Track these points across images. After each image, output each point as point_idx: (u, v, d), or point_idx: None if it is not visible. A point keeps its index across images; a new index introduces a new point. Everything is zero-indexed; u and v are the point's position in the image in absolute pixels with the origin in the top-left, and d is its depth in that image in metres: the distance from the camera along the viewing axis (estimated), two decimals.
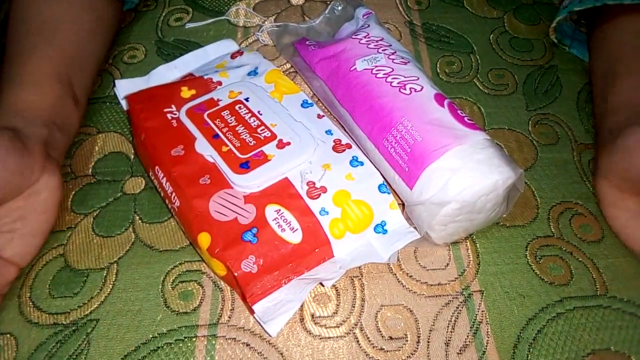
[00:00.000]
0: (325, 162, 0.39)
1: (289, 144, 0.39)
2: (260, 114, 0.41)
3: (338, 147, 0.40)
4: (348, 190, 0.37)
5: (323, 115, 0.42)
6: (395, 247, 0.36)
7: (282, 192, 0.37)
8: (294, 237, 0.35)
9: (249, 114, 0.41)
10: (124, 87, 0.45)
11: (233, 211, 0.36)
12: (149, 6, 0.55)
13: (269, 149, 0.39)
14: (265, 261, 0.34)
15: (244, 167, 0.38)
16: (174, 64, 0.47)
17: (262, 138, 0.39)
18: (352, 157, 0.39)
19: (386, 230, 0.37)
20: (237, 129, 0.40)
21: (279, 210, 0.36)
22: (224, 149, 0.39)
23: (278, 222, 0.36)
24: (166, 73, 0.47)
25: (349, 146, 0.40)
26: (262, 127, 0.40)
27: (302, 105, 0.42)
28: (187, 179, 0.37)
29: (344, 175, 0.38)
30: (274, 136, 0.40)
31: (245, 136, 0.39)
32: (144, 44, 0.51)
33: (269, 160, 0.38)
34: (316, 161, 0.39)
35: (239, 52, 0.48)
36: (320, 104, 0.46)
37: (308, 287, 0.35)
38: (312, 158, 0.39)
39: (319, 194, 0.37)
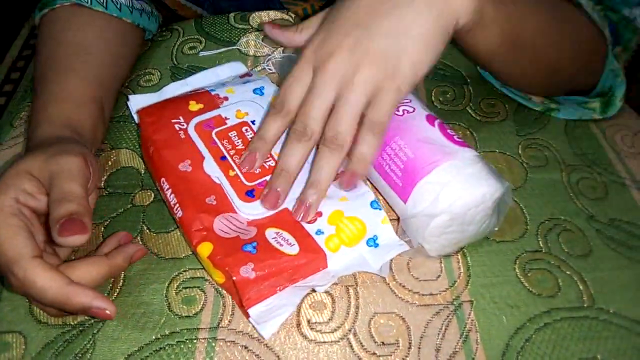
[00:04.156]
0: None
1: None
2: None
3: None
4: (342, 209, 0.40)
5: None
6: (386, 258, 0.38)
7: (282, 219, 0.39)
8: (292, 250, 0.37)
9: None
10: (137, 102, 0.48)
11: (235, 231, 0.38)
12: (165, 36, 0.59)
13: None
14: (263, 269, 0.36)
15: (250, 195, 0.40)
16: (186, 82, 0.50)
17: (267, 167, 0.42)
18: None
19: (378, 244, 0.39)
20: (243, 153, 0.42)
21: (278, 232, 0.38)
22: (231, 173, 0.41)
23: (277, 240, 0.38)
24: (177, 90, 0.50)
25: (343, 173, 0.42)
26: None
27: None
28: (194, 195, 0.40)
29: (338, 198, 0.40)
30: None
31: None
32: (159, 69, 0.55)
33: None
34: None
35: (248, 74, 0.51)
36: None
37: (301, 293, 0.37)
38: None
39: (315, 219, 0.39)
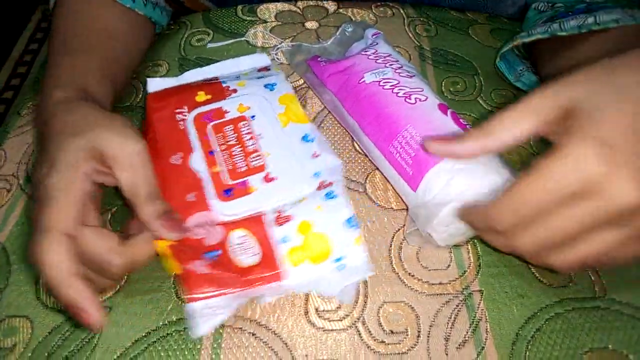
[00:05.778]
0: (301, 199, 0.39)
1: (275, 179, 0.40)
2: (261, 138, 0.42)
3: (320, 187, 0.40)
4: (313, 221, 0.37)
5: (319, 155, 0.41)
6: (347, 282, 0.37)
7: (251, 219, 0.38)
8: (252, 260, 0.36)
9: (249, 135, 0.42)
10: (156, 85, 0.47)
11: (203, 232, 0.37)
12: (173, 28, 0.59)
13: (255, 180, 0.39)
14: (215, 273, 0.36)
15: (227, 194, 0.39)
16: (207, 69, 0.49)
17: (253, 167, 0.40)
18: (329, 191, 0.39)
19: (344, 265, 0.37)
20: (233, 149, 0.41)
21: (245, 235, 0.37)
22: (215, 169, 0.40)
23: (241, 246, 0.37)
24: (196, 76, 0.49)
25: (330, 184, 0.40)
26: (257, 154, 0.41)
27: (302, 139, 0.43)
28: (176, 192, 0.39)
29: (314, 207, 0.38)
30: (263, 167, 0.40)
31: (238, 160, 0.40)
32: (167, 60, 0.55)
33: (250, 193, 0.39)
34: (293, 200, 0.39)
35: (266, 68, 0.50)
36: (328, 120, 0.48)
37: (241, 300, 0.36)
38: (290, 199, 0.39)
39: (285, 222, 0.37)
